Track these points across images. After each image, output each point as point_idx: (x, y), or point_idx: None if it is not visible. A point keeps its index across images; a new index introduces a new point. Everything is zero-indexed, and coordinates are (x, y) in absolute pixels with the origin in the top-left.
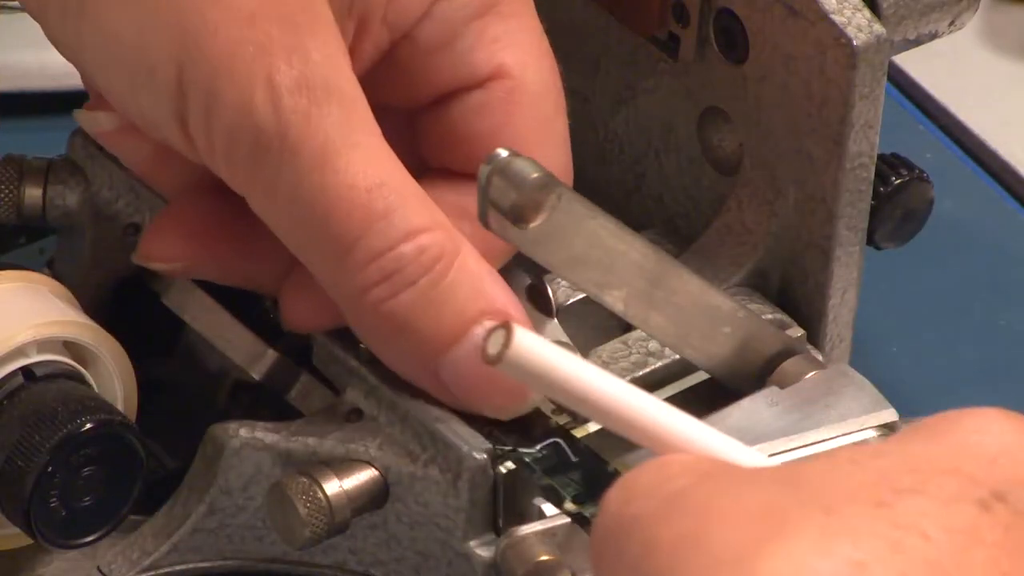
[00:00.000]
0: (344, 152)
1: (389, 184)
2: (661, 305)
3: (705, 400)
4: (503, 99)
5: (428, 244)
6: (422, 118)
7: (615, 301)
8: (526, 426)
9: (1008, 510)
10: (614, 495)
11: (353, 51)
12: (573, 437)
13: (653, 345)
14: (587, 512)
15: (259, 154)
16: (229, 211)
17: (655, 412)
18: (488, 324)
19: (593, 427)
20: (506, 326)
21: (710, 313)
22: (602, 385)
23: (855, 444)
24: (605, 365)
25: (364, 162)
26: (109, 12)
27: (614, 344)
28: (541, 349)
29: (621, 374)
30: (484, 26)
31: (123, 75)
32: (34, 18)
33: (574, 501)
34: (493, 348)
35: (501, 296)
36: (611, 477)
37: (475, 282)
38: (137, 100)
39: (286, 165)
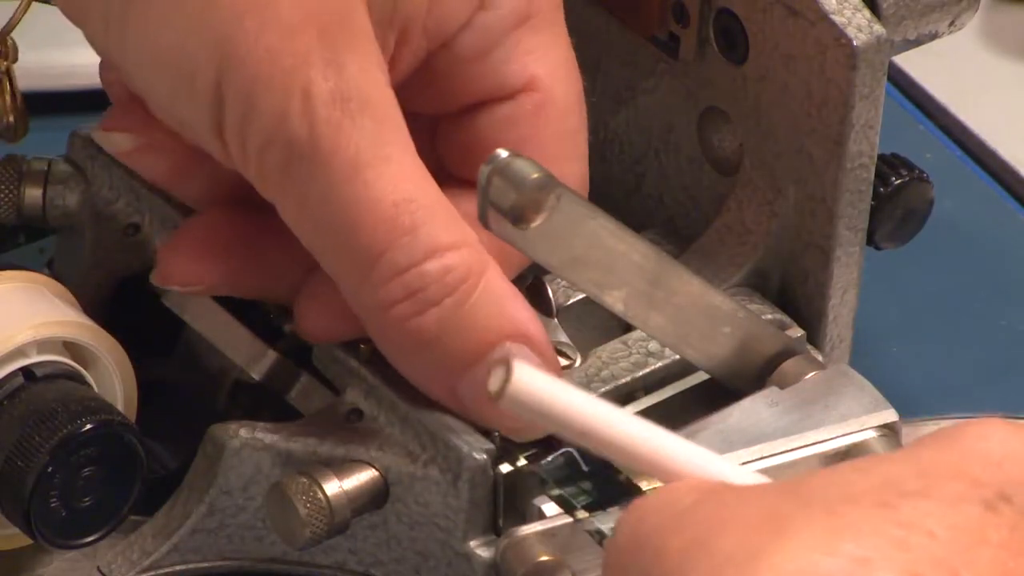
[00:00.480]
0: (374, 165)
1: (417, 200)
2: (661, 305)
3: (705, 400)
4: (531, 112)
5: (454, 263)
6: (447, 126)
7: (615, 301)
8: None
9: (1013, 511)
10: (628, 516)
11: (392, 61)
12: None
13: (653, 345)
14: (598, 521)
15: (291, 163)
16: (243, 226)
17: (657, 443)
18: (510, 346)
19: None
20: (506, 363)
21: (710, 313)
22: (603, 419)
23: (860, 457)
24: (605, 365)
25: (393, 176)
26: (152, 20)
27: (614, 344)
28: (541, 386)
29: (621, 374)
30: (520, 38)
31: (163, 81)
32: (75, 24)
33: (586, 509)
34: (494, 385)
35: (524, 318)
36: (623, 486)
37: (499, 303)
38: (176, 105)
39: (317, 175)
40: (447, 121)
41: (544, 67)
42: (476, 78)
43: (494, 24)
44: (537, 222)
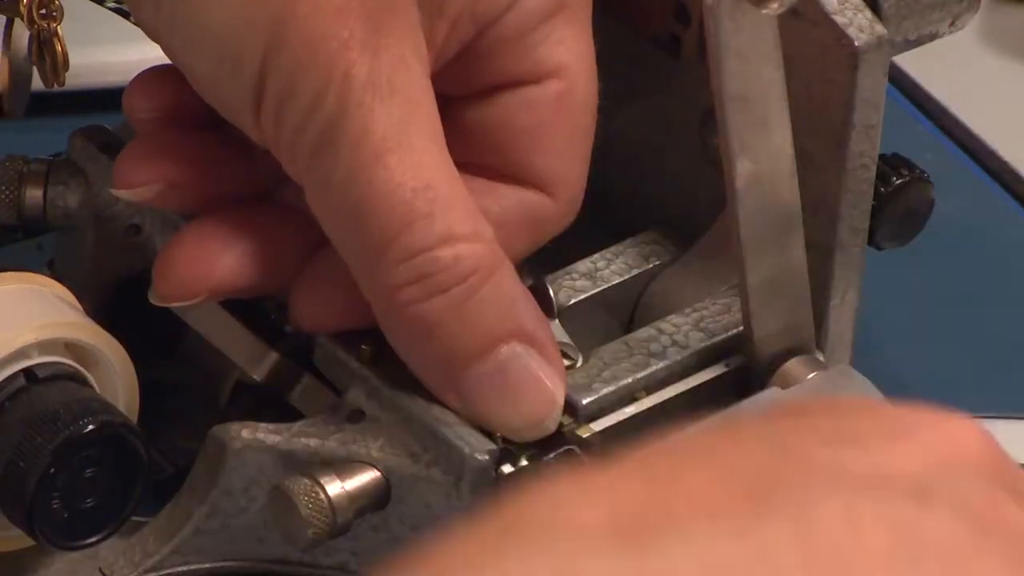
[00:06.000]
0: (397, 150)
1: (437, 188)
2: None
3: (707, 401)
4: (553, 99)
5: (466, 254)
6: (465, 107)
7: (737, 175)
8: None
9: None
10: None
11: (441, 49)
12: (587, 443)
13: (655, 346)
14: None
15: (321, 146)
16: (239, 226)
17: None
18: (516, 346)
19: (598, 426)
20: None
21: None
22: None
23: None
24: (606, 365)
25: (416, 163)
26: (205, 1)
27: (615, 345)
28: None
29: (622, 375)
30: (554, 26)
31: (209, 60)
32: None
33: None
34: None
35: (532, 319)
36: None
37: (508, 302)
38: (218, 84)
39: (343, 158)
40: (465, 102)
41: (572, 58)
42: (508, 60)
43: (532, 8)
44: (774, 8)
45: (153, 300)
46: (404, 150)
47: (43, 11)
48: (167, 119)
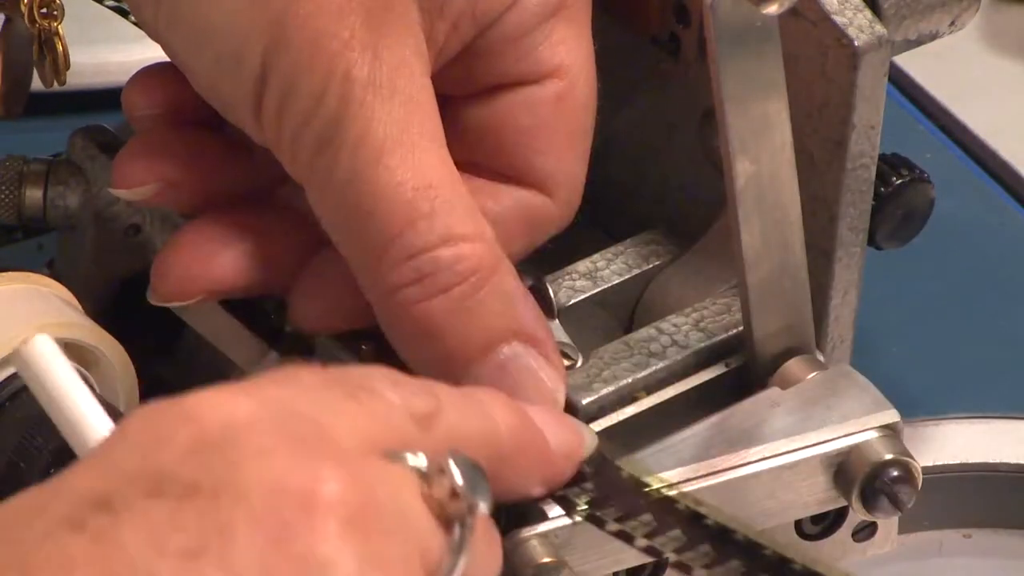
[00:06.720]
0: (398, 151)
1: (438, 188)
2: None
3: (706, 401)
4: (553, 99)
5: (467, 254)
6: (464, 107)
7: (738, 174)
8: None
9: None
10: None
11: (441, 49)
12: None
13: (655, 346)
14: (599, 512)
15: (322, 146)
16: (238, 226)
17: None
18: (516, 346)
19: (598, 427)
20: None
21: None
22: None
23: None
24: (606, 365)
25: (417, 163)
26: (206, 0)
27: (615, 345)
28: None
29: (622, 375)
30: (554, 26)
31: (209, 60)
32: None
33: (587, 507)
34: None
35: (532, 319)
36: (625, 482)
37: (508, 301)
38: (219, 83)
39: (344, 158)
40: (465, 102)
41: (572, 58)
42: (508, 60)
43: (532, 9)
44: (774, 8)
45: (152, 300)
46: (405, 150)
47: (44, 10)
48: (166, 117)
